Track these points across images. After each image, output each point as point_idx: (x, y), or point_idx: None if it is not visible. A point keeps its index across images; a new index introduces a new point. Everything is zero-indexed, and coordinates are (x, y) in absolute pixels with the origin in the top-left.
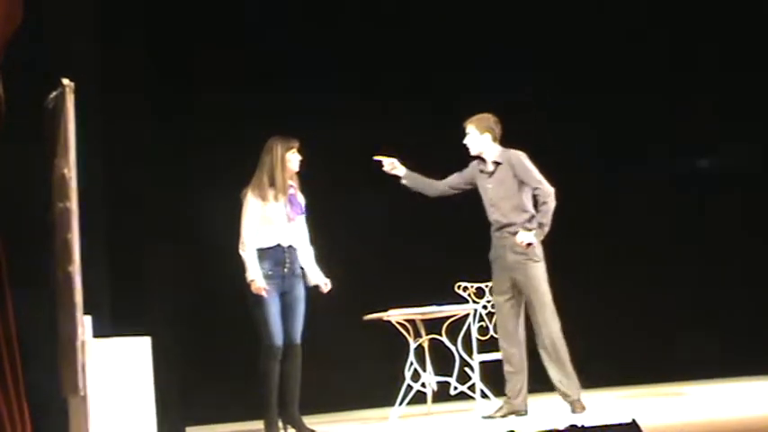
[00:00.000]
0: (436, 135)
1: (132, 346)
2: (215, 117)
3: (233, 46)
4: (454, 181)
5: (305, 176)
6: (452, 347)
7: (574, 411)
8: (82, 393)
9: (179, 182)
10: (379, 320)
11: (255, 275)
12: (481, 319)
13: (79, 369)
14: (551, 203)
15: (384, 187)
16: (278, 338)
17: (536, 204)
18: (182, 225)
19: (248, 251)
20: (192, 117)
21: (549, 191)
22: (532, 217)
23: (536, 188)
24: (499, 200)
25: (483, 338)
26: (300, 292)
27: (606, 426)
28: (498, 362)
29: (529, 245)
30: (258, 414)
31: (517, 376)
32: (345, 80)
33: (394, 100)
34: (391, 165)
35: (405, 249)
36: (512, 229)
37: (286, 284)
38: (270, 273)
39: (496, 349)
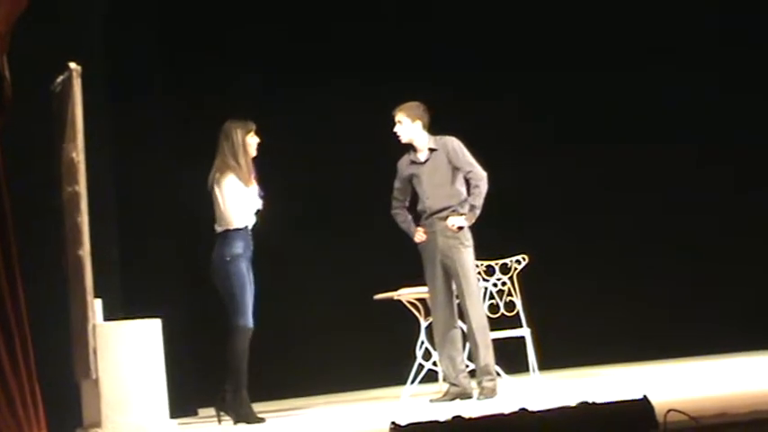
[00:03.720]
0: None
1: (143, 328)
2: (224, 97)
3: (243, 24)
4: (401, 192)
5: (317, 156)
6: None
7: (480, 395)
8: (94, 376)
9: (188, 164)
10: (390, 300)
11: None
12: (491, 297)
13: (91, 352)
14: (483, 187)
15: (393, 166)
16: (251, 320)
17: (468, 189)
18: (191, 207)
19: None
20: (200, 98)
21: (481, 174)
22: (464, 201)
23: (469, 171)
24: (434, 187)
25: (493, 316)
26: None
27: (617, 402)
28: (509, 339)
29: (460, 228)
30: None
31: (458, 359)
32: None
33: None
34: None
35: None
36: (443, 215)
37: (250, 266)
38: (241, 253)
39: (507, 327)
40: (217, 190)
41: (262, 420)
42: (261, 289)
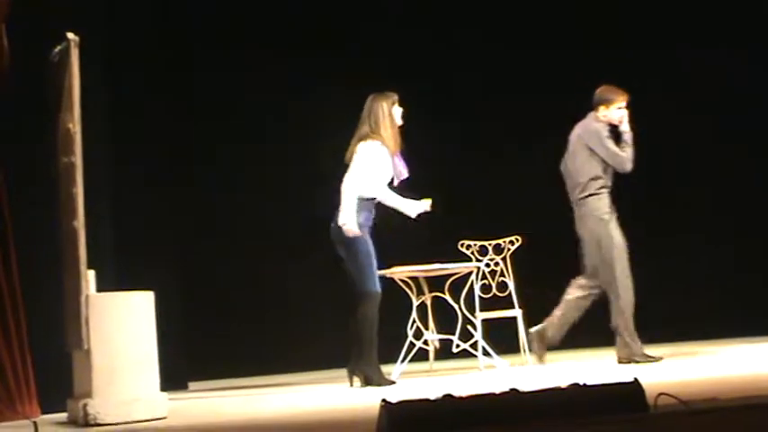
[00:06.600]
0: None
1: (136, 300)
2: (219, 68)
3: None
4: None
5: (311, 141)
6: (455, 305)
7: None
8: (85, 347)
9: (183, 138)
10: (382, 278)
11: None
12: (484, 277)
13: (83, 323)
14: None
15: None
16: (378, 286)
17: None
18: (186, 179)
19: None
20: (198, 70)
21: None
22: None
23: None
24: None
25: (485, 296)
26: None
27: (609, 384)
28: (499, 320)
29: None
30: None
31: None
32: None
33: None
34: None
35: None
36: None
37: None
38: (363, 222)
39: (498, 307)
40: (355, 158)
41: (393, 383)
42: (256, 267)
